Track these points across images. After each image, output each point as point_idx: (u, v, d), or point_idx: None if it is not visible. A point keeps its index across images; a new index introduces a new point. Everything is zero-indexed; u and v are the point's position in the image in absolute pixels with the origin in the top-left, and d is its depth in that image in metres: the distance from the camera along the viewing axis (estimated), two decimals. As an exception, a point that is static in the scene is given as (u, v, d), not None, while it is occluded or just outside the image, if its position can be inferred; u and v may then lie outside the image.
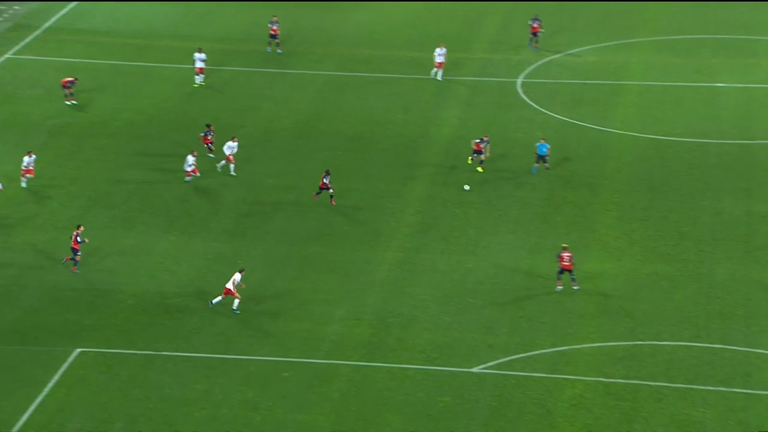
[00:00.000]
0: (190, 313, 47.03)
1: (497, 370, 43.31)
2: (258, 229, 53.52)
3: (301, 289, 48.72)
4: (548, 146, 57.70)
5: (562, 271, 48.18)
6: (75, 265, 49.34)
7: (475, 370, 43.35)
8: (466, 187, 55.52)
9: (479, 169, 57.31)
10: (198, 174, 56.52)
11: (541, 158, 57.72)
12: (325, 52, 72.52)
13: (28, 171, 56.13)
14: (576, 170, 58.63)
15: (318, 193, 54.86)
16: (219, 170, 57.54)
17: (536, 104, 66.28)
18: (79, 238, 48.93)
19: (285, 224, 53.99)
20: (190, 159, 56.31)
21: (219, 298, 46.93)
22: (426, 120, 64.29)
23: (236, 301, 46.73)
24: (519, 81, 69.25)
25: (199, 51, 67.89)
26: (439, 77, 68.55)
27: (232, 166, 57.49)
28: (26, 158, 56.22)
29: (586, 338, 45.11)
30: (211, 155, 58.10)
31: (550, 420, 40.62)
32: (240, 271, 47.28)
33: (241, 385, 42.67)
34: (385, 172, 58.89)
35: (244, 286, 47.06)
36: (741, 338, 44.91)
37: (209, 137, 58.37)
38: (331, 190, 54.41)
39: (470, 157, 57.95)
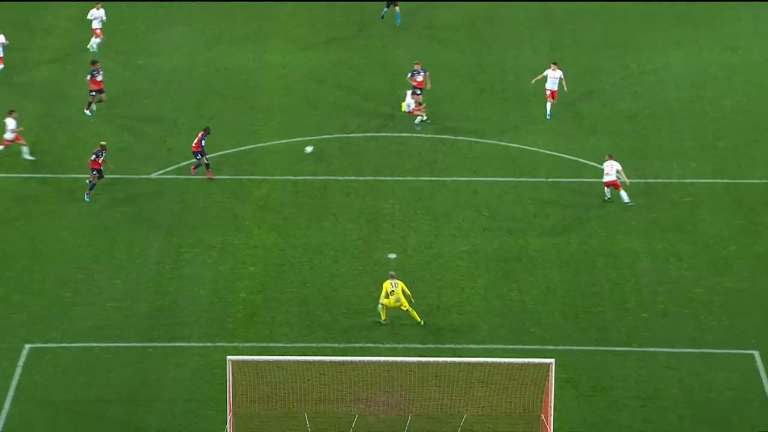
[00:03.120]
0: None
1: (178, 174, 41.52)
2: None
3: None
4: None
5: None
6: None
7: (154, 176, 41.47)
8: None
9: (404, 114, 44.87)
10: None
11: (392, 3, 52.84)
12: None
13: None
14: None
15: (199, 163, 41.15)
16: (92, 48, 47.92)
17: None
18: None
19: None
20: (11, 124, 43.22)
21: None
22: None
23: None
24: None
25: None
26: None
27: (96, 41, 48.68)
28: None
29: (271, 135, 43.67)
30: (88, 112, 44.28)
31: (236, 224, 39.27)
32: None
33: None
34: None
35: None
36: (426, 125, 44.28)
37: (98, 78, 44.37)
38: (206, 158, 40.96)
39: (405, 102, 44.37)
